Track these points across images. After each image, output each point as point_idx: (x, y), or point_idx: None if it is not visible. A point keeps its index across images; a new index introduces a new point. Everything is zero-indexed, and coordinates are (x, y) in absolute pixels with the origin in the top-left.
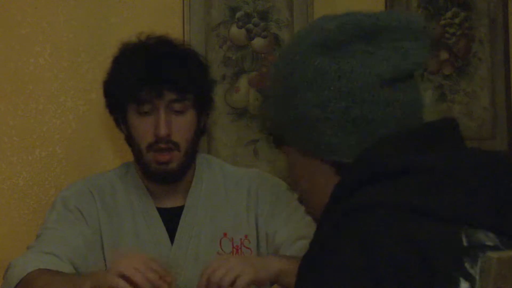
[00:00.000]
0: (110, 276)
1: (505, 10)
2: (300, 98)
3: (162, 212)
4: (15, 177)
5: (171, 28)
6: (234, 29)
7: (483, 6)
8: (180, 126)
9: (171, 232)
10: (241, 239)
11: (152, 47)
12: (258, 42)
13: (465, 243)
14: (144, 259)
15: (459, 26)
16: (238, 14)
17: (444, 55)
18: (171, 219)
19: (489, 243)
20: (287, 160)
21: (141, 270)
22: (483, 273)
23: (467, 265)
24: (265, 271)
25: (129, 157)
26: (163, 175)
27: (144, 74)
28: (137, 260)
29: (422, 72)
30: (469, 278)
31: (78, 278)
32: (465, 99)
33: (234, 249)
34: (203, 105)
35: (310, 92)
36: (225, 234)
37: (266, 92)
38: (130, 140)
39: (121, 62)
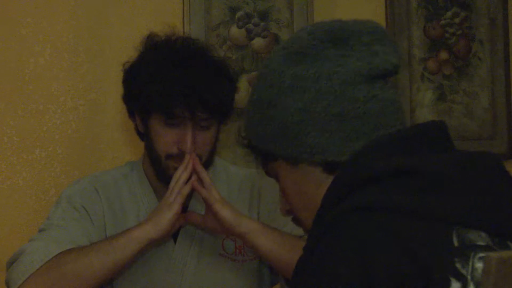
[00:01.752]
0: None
1: (505, 10)
2: (281, 106)
3: None
4: (15, 177)
5: (171, 28)
6: (234, 29)
7: (483, 6)
8: (204, 141)
9: (174, 232)
10: None
11: (188, 59)
12: (258, 42)
13: (456, 243)
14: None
15: (459, 26)
16: (238, 14)
17: (444, 55)
18: None
19: (480, 243)
20: (278, 182)
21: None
22: (483, 273)
23: (458, 265)
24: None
25: (130, 157)
26: None
27: (181, 92)
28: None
29: (423, 73)
30: (461, 278)
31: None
32: (465, 99)
33: (237, 250)
34: (226, 118)
35: (291, 98)
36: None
37: (248, 115)
38: (147, 140)
39: (154, 66)
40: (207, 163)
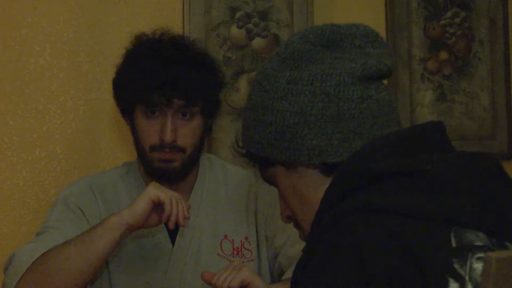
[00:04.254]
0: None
1: (505, 10)
2: (277, 110)
3: None
4: (15, 177)
5: (171, 28)
6: (234, 29)
7: (483, 6)
8: (186, 131)
9: (172, 233)
10: (241, 240)
11: (166, 50)
12: (258, 42)
13: (454, 244)
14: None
15: (459, 26)
16: (238, 14)
17: (444, 55)
18: None
19: (479, 243)
20: (277, 187)
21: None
22: (483, 273)
23: (456, 265)
24: None
25: (129, 157)
26: (166, 173)
27: (156, 80)
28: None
29: (423, 73)
30: (459, 278)
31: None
32: (465, 99)
33: (235, 251)
34: (211, 110)
35: (286, 102)
36: (225, 236)
37: (244, 122)
38: (134, 136)
39: (133, 60)
40: (192, 156)
